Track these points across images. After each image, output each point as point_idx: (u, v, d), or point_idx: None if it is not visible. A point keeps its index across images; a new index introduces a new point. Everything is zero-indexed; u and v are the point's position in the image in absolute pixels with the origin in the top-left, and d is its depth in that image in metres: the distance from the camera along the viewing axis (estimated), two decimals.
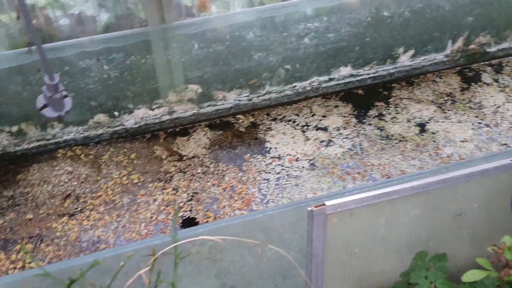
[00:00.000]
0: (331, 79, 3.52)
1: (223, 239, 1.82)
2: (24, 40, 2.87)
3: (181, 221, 2.85)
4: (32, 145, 3.15)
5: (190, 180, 3.06)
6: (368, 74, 3.59)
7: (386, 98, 3.56)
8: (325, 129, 3.33)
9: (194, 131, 3.38)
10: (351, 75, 3.55)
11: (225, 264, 2.05)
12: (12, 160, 3.15)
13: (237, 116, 3.45)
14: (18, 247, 2.72)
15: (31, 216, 2.87)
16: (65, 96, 1.98)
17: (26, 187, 3.02)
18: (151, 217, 2.87)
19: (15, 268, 2.63)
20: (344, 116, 3.42)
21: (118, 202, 2.94)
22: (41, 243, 2.74)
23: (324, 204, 1.82)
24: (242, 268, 2.09)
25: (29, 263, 2.66)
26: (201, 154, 3.21)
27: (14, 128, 3.06)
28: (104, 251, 2.56)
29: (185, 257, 1.79)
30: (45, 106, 1.97)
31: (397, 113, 3.43)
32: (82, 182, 3.05)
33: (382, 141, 3.24)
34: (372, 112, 3.45)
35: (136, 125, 3.31)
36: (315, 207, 1.83)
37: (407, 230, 2.05)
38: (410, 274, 1.99)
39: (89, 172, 3.11)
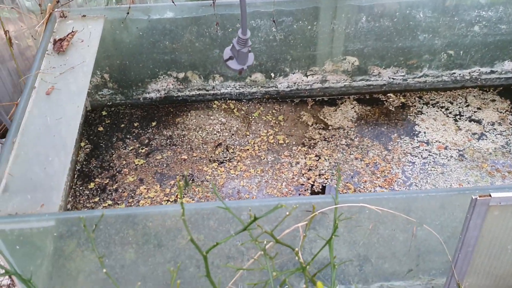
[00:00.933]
0: (492, 72, 3.38)
1: (382, 211, 1.88)
2: None
3: (320, 187, 2.94)
4: (193, 93, 3.39)
5: (333, 150, 3.13)
6: None
7: None
8: (478, 121, 3.23)
9: (342, 103, 3.43)
10: None
11: (365, 234, 2.10)
12: (173, 103, 3.43)
13: (388, 94, 3.45)
14: (172, 182, 2.97)
15: (185, 157, 3.11)
16: (249, 52, 2.11)
17: (184, 130, 3.27)
18: (293, 178, 2.99)
19: (168, 200, 2.89)
20: (501, 112, 3.29)
21: (263, 158, 3.10)
22: (192, 183, 2.97)
23: (490, 195, 1.81)
24: (384, 242, 2.13)
25: (181, 198, 2.90)
26: (347, 127, 3.26)
27: (181, 75, 3.31)
28: (264, 199, 2.71)
29: (344, 220, 1.88)
30: (230, 58, 2.12)
31: None
32: (232, 134, 3.24)
33: None
34: None
35: (288, 89, 3.43)
36: (480, 196, 1.82)
37: None
38: None
39: (239, 126, 3.29)
